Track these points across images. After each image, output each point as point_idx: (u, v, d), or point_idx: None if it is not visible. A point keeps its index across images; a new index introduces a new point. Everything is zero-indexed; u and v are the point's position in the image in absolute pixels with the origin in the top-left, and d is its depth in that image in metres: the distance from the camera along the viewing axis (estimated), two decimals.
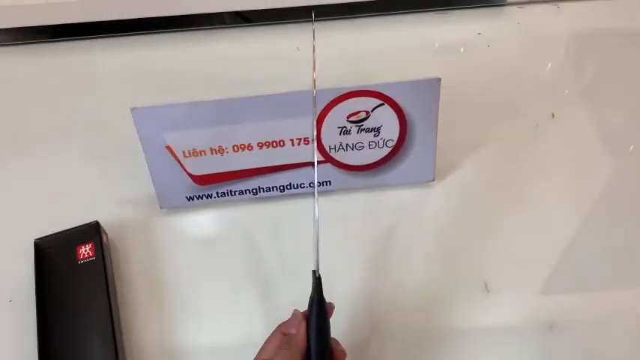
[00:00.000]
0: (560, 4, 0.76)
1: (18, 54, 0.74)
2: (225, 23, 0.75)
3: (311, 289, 0.43)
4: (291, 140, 0.55)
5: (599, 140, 0.63)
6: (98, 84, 0.71)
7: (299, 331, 0.42)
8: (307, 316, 0.43)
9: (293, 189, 0.58)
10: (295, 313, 0.44)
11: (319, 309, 0.43)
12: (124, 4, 0.69)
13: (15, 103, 0.69)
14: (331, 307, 0.44)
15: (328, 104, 0.53)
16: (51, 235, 0.55)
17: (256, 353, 0.42)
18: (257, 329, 0.52)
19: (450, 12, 0.76)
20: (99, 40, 0.74)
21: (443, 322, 0.53)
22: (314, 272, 0.43)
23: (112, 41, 0.74)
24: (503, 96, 0.67)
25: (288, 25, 0.75)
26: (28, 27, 0.71)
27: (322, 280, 0.43)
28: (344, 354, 0.43)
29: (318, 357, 0.42)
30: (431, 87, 0.54)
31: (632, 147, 0.63)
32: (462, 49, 0.72)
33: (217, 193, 0.58)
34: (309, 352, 0.42)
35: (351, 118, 0.54)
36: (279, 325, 0.44)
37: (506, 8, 0.76)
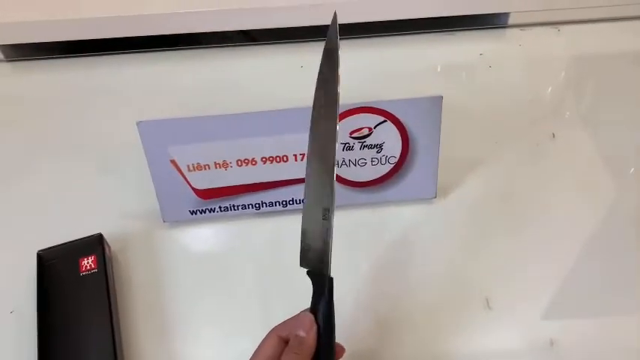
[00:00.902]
0: (561, 26, 0.78)
1: (27, 69, 0.75)
2: (231, 41, 0.76)
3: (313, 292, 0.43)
4: (295, 156, 0.55)
5: (600, 161, 0.64)
6: (104, 99, 0.71)
7: (309, 335, 0.41)
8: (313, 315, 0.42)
9: (296, 204, 0.59)
10: (304, 315, 0.42)
11: (329, 309, 0.42)
12: (130, 22, 0.70)
13: (22, 116, 0.70)
14: (342, 347, 0.44)
15: None
16: (54, 246, 0.55)
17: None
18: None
19: (452, 33, 0.77)
20: (106, 57, 0.75)
21: (444, 338, 0.53)
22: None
23: (118, 58, 0.75)
24: (504, 116, 0.68)
25: (293, 44, 0.76)
26: (37, 43, 0.72)
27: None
28: (343, 349, 0.43)
29: (326, 358, 0.41)
30: (433, 104, 0.54)
31: (632, 169, 0.64)
32: (464, 70, 0.73)
33: (220, 207, 0.58)
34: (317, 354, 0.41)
35: (354, 135, 0.55)
36: (274, 329, 0.43)
37: (508, 30, 0.77)
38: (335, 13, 0.44)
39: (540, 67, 0.74)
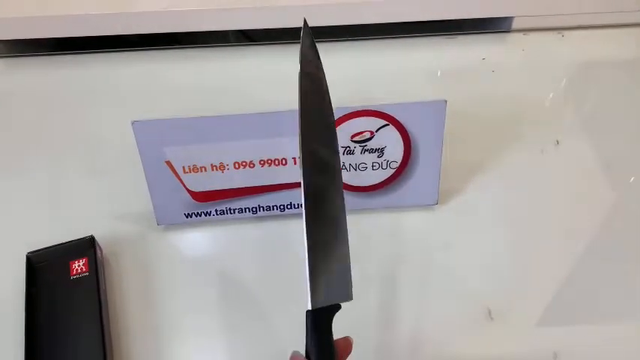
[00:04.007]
0: (564, 32, 0.77)
1: (21, 66, 0.73)
2: (228, 41, 0.75)
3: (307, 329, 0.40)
4: (294, 159, 0.54)
5: (605, 168, 0.63)
6: (98, 98, 0.70)
7: None
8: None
9: (294, 208, 0.57)
10: None
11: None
12: (126, 19, 0.69)
13: (13, 115, 0.69)
14: (348, 342, 0.41)
15: None
16: (44, 248, 0.53)
17: None
18: (253, 353, 0.51)
19: (455, 37, 0.76)
20: (100, 55, 0.74)
21: (445, 349, 0.51)
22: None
23: (113, 56, 0.74)
24: (507, 121, 0.67)
25: (292, 45, 0.74)
26: (28, 39, 0.71)
27: None
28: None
29: None
30: (437, 109, 0.53)
31: (632, 178, 0.63)
32: (467, 74, 0.72)
33: (216, 210, 0.57)
34: None
35: (355, 138, 0.54)
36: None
37: (511, 35, 0.76)
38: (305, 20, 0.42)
39: (544, 72, 0.72)
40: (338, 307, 0.40)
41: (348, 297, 0.41)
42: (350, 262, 0.41)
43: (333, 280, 0.40)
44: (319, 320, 0.40)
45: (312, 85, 0.41)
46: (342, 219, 0.41)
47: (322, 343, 0.40)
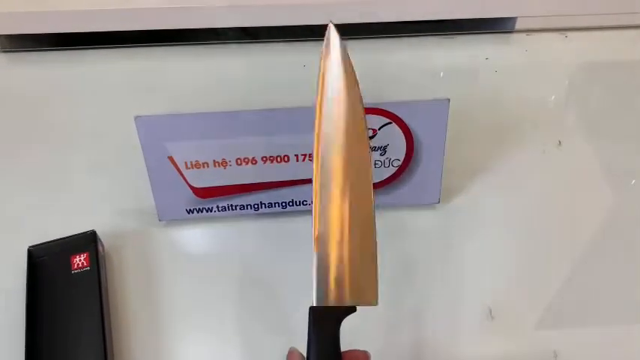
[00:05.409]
0: (568, 32, 0.77)
1: (22, 61, 0.73)
2: (229, 39, 0.75)
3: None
4: (296, 156, 0.54)
5: (607, 169, 0.63)
6: (99, 94, 0.70)
7: None
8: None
9: (295, 206, 0.57)
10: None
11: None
12: (128, 15, 0.69)
13: (15, 110, 0.69)
14: (364, 356, 0.39)
15: None
16: (45, 242, 0.53)
17: None
18: (255, 350, 0.51)
19: (458, 37, 0.76)
20: (102, 51, 0.74)
21: (445, 348, 0.51)
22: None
23: (115, 52, 0.74)
24: (509, 121, 0.67)
25: (294, 43, 0.74)
26: (34, 35, 0.71)
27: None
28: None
29: None
30: (440, 108, 0.53)
31: (634, 180, 0.63)
32: (470, 74, 0.72)
33: (218, 207, 0.57)
34: None
35: None
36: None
37: (515, 35, 0.76)
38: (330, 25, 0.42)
39: (547, 73, 0.73)
40: (350, 310, 0.39)
41: (366, 301, 0.39)
42: (377, 265, 0.40)
43: (347, 279, 0.39)
44: (321, 319, 0.39)
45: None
46: (360, 215, 0.40)
47: (323, 345, 0.38)
